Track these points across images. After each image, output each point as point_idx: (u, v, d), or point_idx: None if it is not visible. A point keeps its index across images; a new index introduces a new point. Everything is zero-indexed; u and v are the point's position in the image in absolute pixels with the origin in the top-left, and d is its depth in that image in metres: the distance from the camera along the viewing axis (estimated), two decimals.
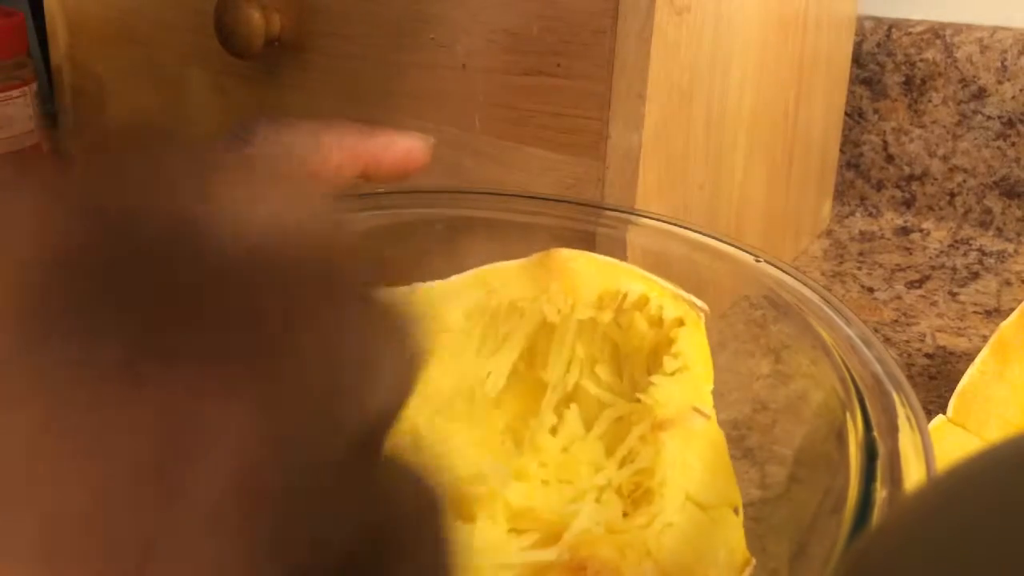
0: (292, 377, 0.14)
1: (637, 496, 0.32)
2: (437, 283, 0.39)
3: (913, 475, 0.26)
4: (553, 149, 0.45)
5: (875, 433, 0.27)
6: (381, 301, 0.16)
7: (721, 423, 0.34)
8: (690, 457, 0.32)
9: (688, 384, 0.34)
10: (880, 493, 0.25)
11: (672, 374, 0.35)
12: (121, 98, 0.64)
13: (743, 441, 0.37)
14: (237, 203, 0.15)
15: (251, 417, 0.13)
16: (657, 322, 0.37)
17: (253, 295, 0.14)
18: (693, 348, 0.35)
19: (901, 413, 0.28)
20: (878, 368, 0.30)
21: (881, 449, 0.27)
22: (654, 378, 0.35)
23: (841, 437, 0.29)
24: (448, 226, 0.44)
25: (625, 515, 0.32)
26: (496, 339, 0.39)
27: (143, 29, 0.61)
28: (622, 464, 0.34)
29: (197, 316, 0.14)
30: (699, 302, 0.37)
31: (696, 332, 0.36)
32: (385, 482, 0.16)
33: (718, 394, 0.35)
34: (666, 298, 0.37)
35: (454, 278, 0.39)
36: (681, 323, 0.36)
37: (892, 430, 0.27)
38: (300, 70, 0.53)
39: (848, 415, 0.29)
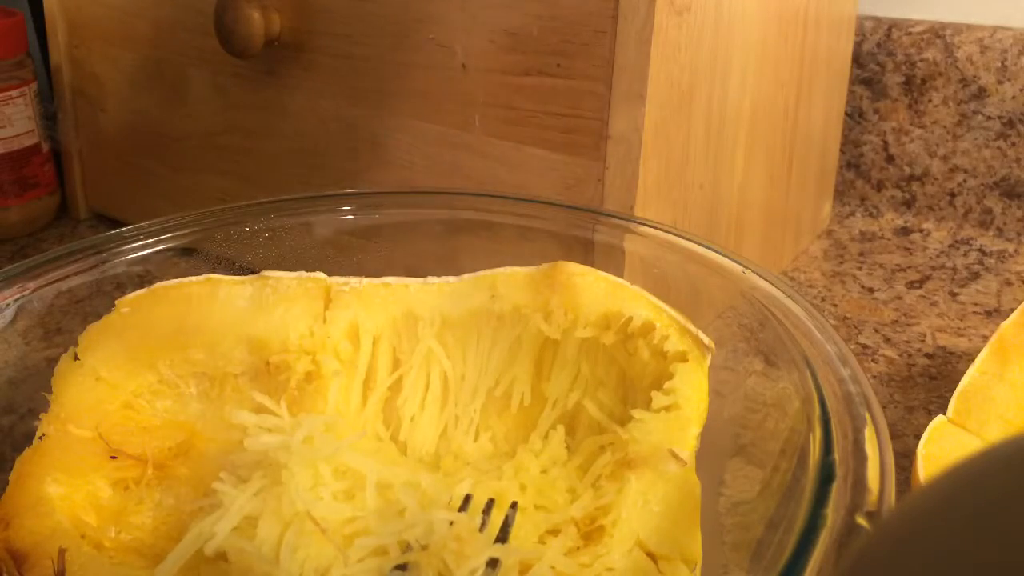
0: None
1: (591, 531, 0.31)
2: (446, 280, 0.39)
3: (869, 501, 0.25)
4: (553, 149, 0.44)
5: (834, 456, 0.26)
6: None
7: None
8: (652, 501, 0.30)
9: (672, 424, 0.32)
10: (829, 518, 0.24)
11: (658, 411, 0.33)
12: (121, 98, 0.64)
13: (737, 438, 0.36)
14: None
15: None
16: (660, 353, 0.35)
17: None
18: (689, 387, 0.34)
19: (867, 436, 0.27)
20: (851, 388, 0.29)
21: (838, 472, 0.26)
22: (636, 413, 0.33)
23: (803, 456, 0.28)
24: (447, 227, 0.44)
25: (578, 549, 0.31)
26: (506, 343, 0.38)
27: (143, 29, 0.61)
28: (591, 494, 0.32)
29: None
30: (706, 339, 0.35)
31: (697, 371, 0.34)
32: None
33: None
34: (672, 329, 0.35)
35: (465, 277, 0.38)
36: (684, 358, 0.34)
37: (856, 453, 0.26)
38: (300, 70, 0.53)
39: (811, 435, 0.28)
